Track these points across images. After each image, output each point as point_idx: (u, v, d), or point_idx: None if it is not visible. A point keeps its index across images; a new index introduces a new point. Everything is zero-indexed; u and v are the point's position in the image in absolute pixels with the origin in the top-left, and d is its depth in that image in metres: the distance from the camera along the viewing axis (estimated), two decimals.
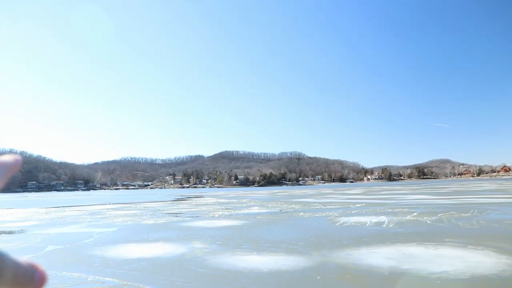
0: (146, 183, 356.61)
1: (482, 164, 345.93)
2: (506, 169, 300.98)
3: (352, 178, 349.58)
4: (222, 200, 47.82)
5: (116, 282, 7.75)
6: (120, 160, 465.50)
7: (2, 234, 17.26)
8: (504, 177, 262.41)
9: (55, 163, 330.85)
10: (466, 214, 18.77)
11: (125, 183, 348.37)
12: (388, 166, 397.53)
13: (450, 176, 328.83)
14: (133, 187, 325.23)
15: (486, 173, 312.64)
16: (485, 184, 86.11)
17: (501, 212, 19.42)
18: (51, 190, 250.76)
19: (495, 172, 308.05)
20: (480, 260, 8.65)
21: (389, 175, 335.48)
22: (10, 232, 17.77)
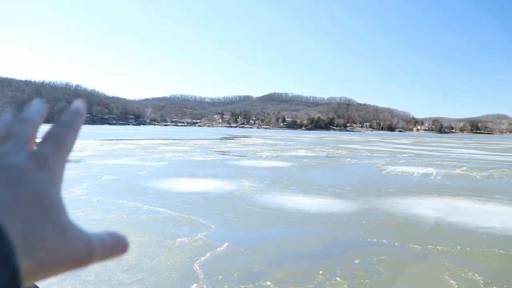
0: (194, 120, 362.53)
1: None
2: None
3: (401, 128, 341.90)
4: (269, 141, 48.32)
5: (170, 213, 8.18)
6: (170, 97, 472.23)
7: None
8: None
9: (108, 98, 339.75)
10: None
11: (174, 119, 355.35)
12: (439, 117, 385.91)
13: (506, 133, 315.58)
14: (181, 124, 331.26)
15: None
16: None
17: None
18: (103, 124, 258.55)
19: None
20: None
21: (440, 127, 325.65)
22: (68, 161, 18.78)
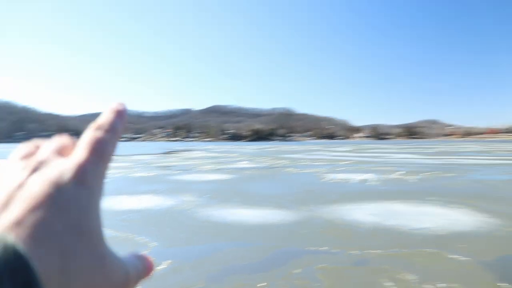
0: (135, 135, 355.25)
1: (469, 126, 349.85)
2: (492, 131, 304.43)
3: (341, 136, 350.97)
4: (212, 154, 48.10)
5: (108, 233, 7.90)
6: None
7: None
8: (490, 139, 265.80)
9: (42, 114, 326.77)
10: (450, 174, 19.23)
11: None
12: (377, 124, 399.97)
13: (437, 137, 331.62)
14: (122, 139, 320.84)
15: (473, 134, 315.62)
16: (471, 145, 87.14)
17: (483, 173, 19.92)
18: None
19: (481, 134, 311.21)
20: (459, 218, 9.02)
21: (378, 133, 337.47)
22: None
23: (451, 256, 6.25)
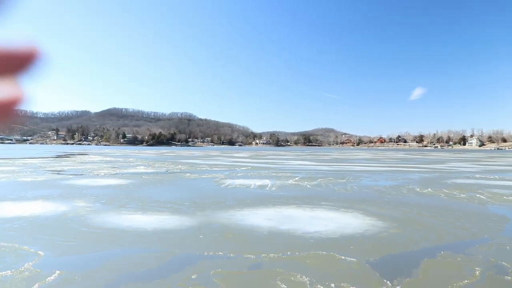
0: (25, 137, 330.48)
1: (361, 135, 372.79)
2: (381, 141, 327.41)
3: (241, 142, 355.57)
4: (108, 159, 46.39)
5: None
6: None
7: None
8: (379, 147, 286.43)
9: None
10: (342, 180, 20.32)
11: (0, 136, 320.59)
12: (276, 132, 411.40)
13: (333, 145, 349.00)
14: (9, 141, 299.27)
15: (365, 143, 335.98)
16: (362, 153, 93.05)
17: (372, 179, 21.30)
18: None
19: (372, 142, 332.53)
20: (349, 222, 9.56)
21: (277, 140, 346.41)
22: None
23: (340, 257, 6.58)
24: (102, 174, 23.23)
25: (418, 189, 16.85)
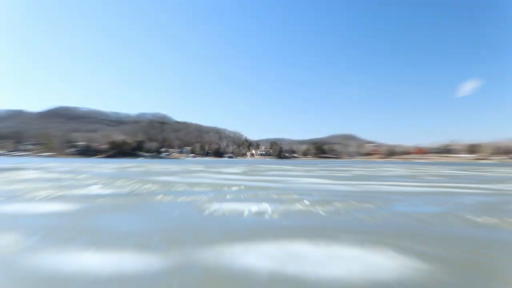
0: None
1: (393, 144, 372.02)
2: (420, 151, 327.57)
3: (232, 152, 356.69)
4: (51, 175, 46.10)
5: None
6: None
7: None
8: (418, 160, 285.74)
9: None
10: (367, 205, 20.15)
11: None
12: (279, 139, 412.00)
13: (354, 156, 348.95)
14: None
15: (398, 154, 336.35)
16: (393, 167, 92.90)
17: (408, 204, 21.15)
18: None
19: (408, 153, 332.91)
20: (379, 262, 9.38)
21: (280, 150, 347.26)
22: None
23: None
24: (41, 197, 22.99)
25: (474, 218, 16.67)
